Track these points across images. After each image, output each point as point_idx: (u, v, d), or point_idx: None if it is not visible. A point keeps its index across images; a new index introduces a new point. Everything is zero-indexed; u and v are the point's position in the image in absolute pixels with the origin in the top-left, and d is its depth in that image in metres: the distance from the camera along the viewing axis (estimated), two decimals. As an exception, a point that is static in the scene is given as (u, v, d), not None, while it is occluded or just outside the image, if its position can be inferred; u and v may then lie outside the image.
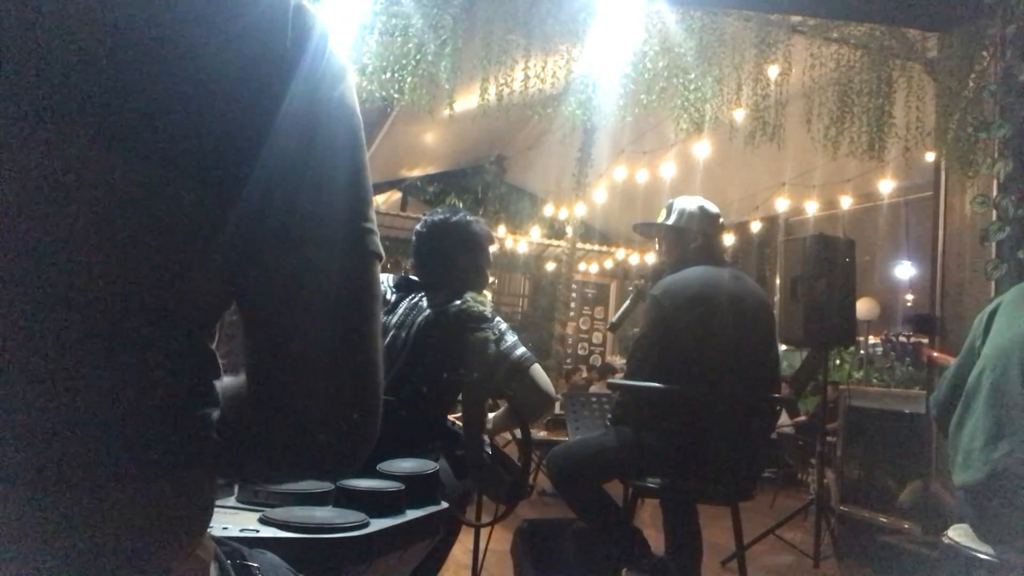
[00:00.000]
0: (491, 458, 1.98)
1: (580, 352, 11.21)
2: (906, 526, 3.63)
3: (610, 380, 5.15)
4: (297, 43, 0.55)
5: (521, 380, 1.95)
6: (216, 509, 0.58)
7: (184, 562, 0.53)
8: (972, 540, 1.74)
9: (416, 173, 10.00)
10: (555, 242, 10.12)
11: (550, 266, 10.74)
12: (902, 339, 5.69)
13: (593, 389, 6.67)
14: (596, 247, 10.83)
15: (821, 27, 4.04)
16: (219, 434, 0.56)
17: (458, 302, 1.94)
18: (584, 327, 11.40)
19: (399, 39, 3.66)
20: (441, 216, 2.17)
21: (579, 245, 9.14)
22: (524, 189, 10.51)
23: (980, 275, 3.23)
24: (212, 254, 0.53)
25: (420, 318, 1.95)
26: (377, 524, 1.22)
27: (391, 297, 2.05)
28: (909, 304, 7.50)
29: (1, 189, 0.45)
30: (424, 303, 1.99)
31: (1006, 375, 1.70)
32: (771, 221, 8.63)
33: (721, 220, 2.65)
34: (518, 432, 2.11)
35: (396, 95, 3.74)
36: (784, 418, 5.50)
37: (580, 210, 8.26)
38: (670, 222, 2.61)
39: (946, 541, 1.80)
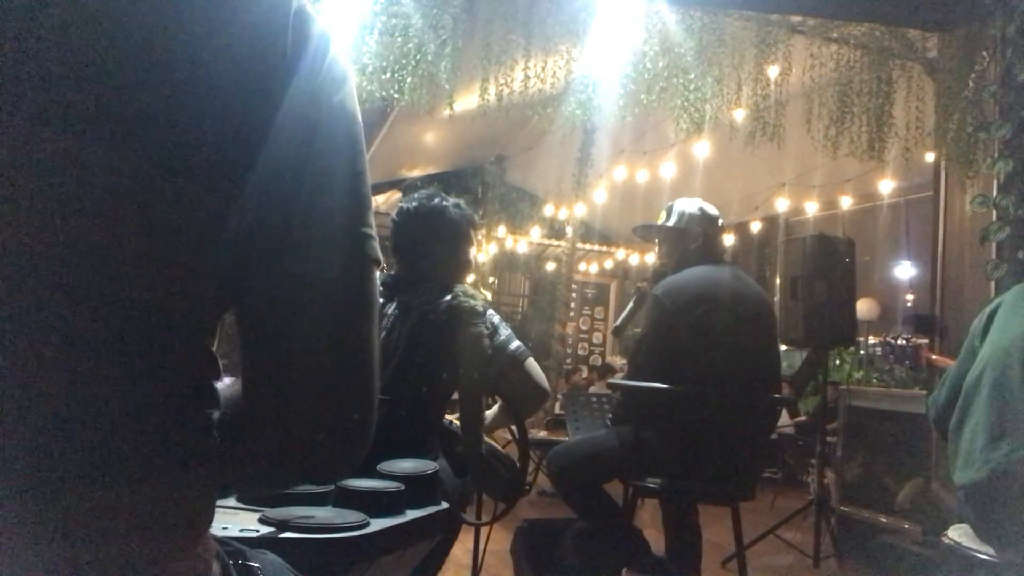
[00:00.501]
0: (489, 456, 1.97)
1: (580, 352, 11.21)
2: (906, 526, 3.63)
3: (610, 380, 5.16)
4: (297, 45, 0.55)
5: (516, 374, 1.93)
6: (216, 509, 0.58)
7: (186, 561, 0.53)
8: (972, 540, 1.74)
9: (416, 173, 10.00)
10: (555, 242, 10.12)
11: (550, 266, 10.75)
12: (901, 342, 5.69)
13: (593, 389, 6.67)
14: (596, 247, 10.83)
15: (821, 27, 4.04)
16: (218, 434, 0.56)
17: (448, 297, 1.90)
18: (584, 327, 11.41)
19: (399, 39, 3.66)
20: (416, 203, 2.04)
21: (579, 245, 9.14)
22: (524, 189, 10.50)
23: (980, 275, 3.23)
24: (212, 255, 0.53)
25: (411, 317, 1.91)
26: (377, 524, 1.22)
27: (380, 299, 2.01)
28: (909, 304, 7.50)
29: (2, 190, 0.45)
30: (413, 302, 1.94)
31: (1006, 375, 1.69)
32: (771, 221, 8.62)
33: (720, 221, 2.65)
34: (516, 430, 2.10)
35: (396, 95, 3.74)
36: (784, 418, 5.49)
37: (580, 210, 8.26)
38: (670, 224, 2.61)
39: (946, 541, 1.81)
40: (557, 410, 5.54)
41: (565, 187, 8.01)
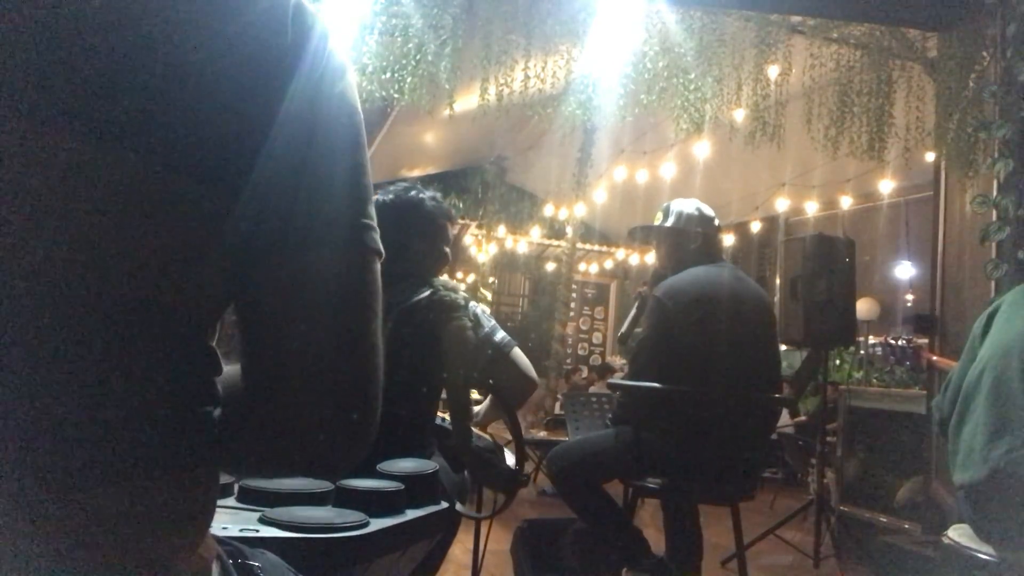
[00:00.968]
0: (486, 447, 1.96)
1: (580, 352, 11.23)
2: (906, 526, 3.63)
3: (610, 380, 5.16)
4: (297, 41, 0.55)
5: (503, 365, 1.91)
6: (216, 509, 0.58)
7: (187, 561, 0.53)
8: (972, 540, 1.74)
9: (416, 173, 10.00)
10: (555, 242, 10.13)
11: (550, 266, 10.76)
12: (901, 342, 5.69)
13: (593, 389, 6.67)
14: (596, 247, 10.85)
15: (821, 27, 4.04)
16: (219, 429, 0.56)
17: (427, 292, 1.87)
18: (584, 327, 11.42)
19: (399, 39, 3.66)
20: (392, 195, 2.03)
21: (579, 245, 9.15)
22: (524, 189, 10.51)
23: (980, 275, 3.22)
24: (213, 251, 0.53)
25: (391, 315, 1.85)
26: (377, 524, 1.22)
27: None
28: (909, 304, 7.49)
29: (2, 189, 0.45)
30: (392, 299, 1.88)
31: (1006, 374, 1.69)
32: (771, 221, 8.63)
33: (717, 221, 2.65)
34: (507, 421, 2.08)
35: (396, 95, 3.73)
36: (784, 418, 5.49)
37: (580, 210, 8.27)
38: (668, 225, 2.61)
39: (946, 541, 1.80)
40: (557, 410, 5.55)
41: (565, 187, 8.01)
